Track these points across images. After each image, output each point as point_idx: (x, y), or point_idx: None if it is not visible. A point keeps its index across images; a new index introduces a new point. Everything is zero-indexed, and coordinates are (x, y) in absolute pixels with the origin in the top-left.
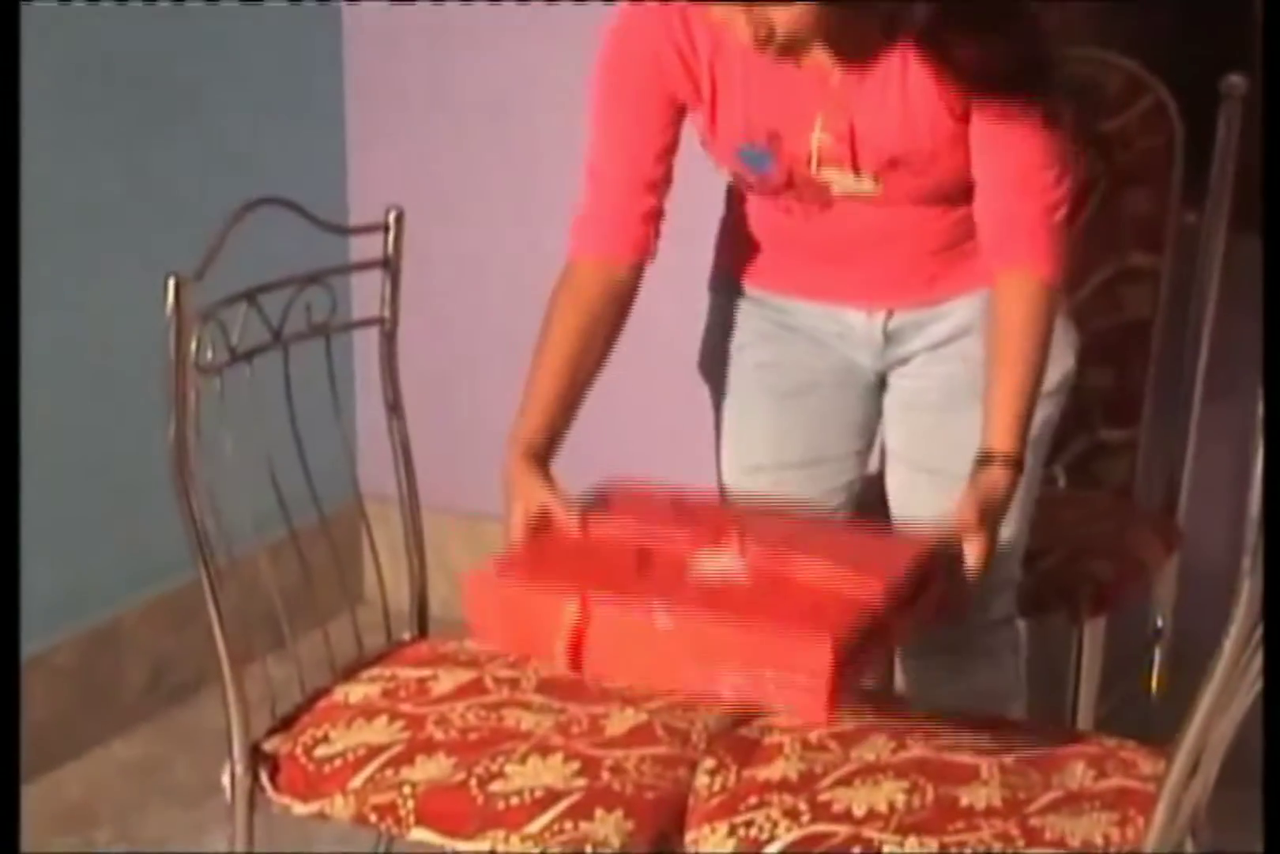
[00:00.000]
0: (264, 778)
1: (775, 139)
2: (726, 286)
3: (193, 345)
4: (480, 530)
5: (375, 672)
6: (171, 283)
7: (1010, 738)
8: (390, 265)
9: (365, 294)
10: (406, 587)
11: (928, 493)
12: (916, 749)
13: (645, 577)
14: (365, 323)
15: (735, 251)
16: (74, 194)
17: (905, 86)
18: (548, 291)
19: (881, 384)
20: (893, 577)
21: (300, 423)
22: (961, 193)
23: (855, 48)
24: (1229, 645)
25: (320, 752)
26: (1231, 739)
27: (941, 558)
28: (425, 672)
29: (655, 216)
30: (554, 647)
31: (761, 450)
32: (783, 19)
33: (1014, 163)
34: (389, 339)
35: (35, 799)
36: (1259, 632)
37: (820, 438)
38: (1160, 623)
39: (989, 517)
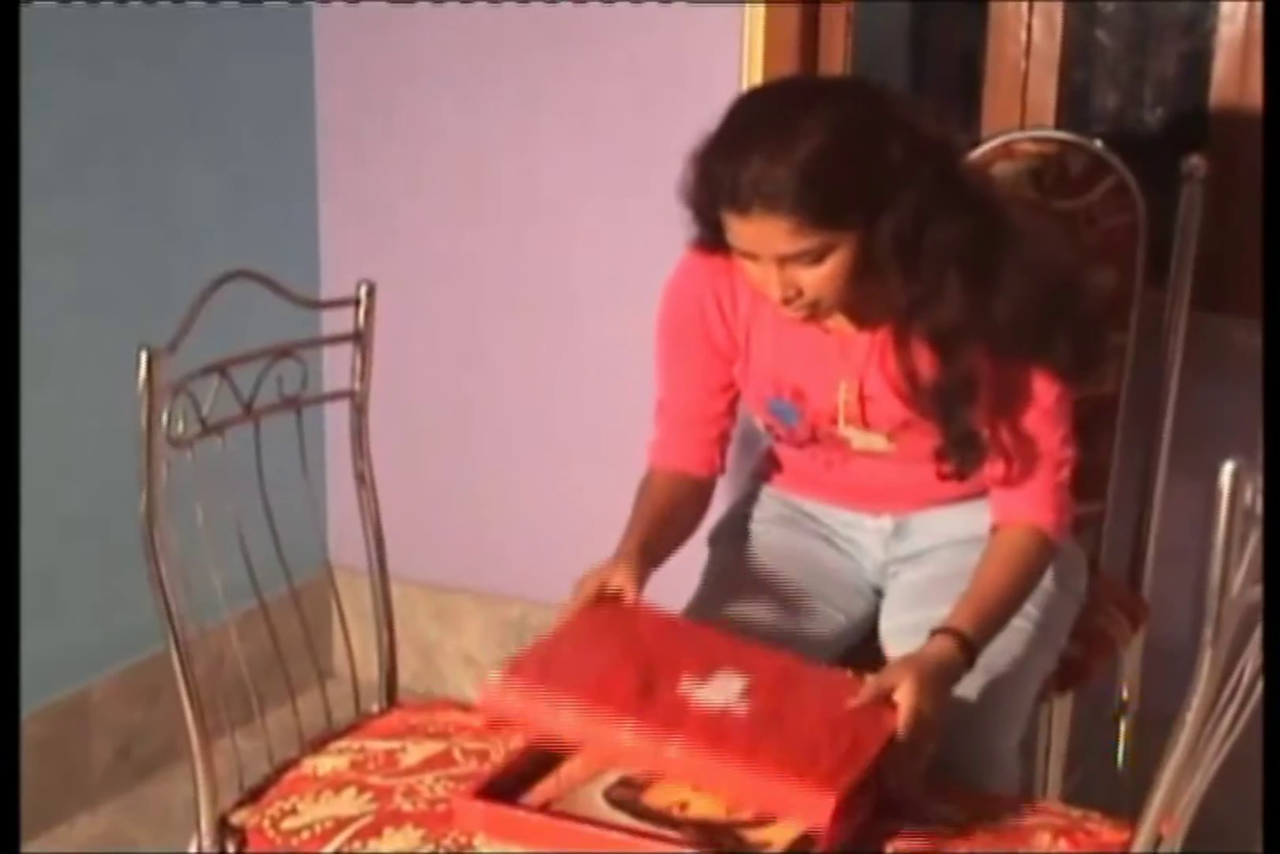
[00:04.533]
0: (231, 851)
1: (801, 396)
2: (755, 477)
3: (164, 417)
4: (449, 602)
5: (344, 743)
6: (144, 355)
7: (977, 809)
8: (361, 338)
9: (336, 367)
10: (375, 658)
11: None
12: (884, 821)
13: (650, 700)
14: (336, 395)
15: (765, 460)
16: (47, 266)
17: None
18: (521, 365)
19: (878, 592)
20: (885, 723)
21: (270, 495)
22: None
23: (871, 317)
24: (1191, 716)
25: (288, 824)
26: (1197, 808)
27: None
28: (394, 743)
29: (722, 439)
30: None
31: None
32: (808, 281)
33: (1025, 427)
34: (359, 412)
35: None
36: (1222, 700)
37: (789, 605)
38: (1126, 696)
39: (927, 682)
